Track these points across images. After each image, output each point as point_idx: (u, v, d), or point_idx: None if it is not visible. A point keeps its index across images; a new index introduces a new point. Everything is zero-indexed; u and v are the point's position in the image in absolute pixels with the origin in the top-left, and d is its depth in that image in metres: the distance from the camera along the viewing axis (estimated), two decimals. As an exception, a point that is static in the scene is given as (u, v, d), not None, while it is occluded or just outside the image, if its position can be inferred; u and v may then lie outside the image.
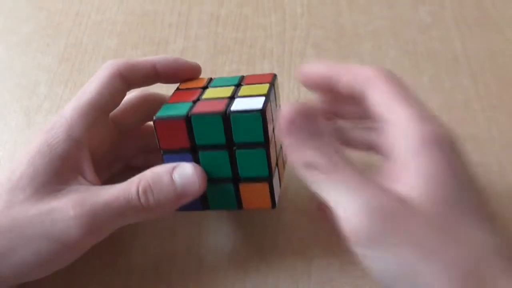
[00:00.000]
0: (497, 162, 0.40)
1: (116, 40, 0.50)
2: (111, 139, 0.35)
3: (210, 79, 0.35)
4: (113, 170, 0.37)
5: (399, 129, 0.28)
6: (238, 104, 0.30)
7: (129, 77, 0.33)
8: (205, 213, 0.35)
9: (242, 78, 0.34)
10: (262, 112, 0.29)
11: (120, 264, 0.34)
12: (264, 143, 0.29)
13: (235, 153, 0.30)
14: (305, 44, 0.49)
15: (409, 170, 0.26)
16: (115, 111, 0.34)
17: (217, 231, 0.36)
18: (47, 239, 0.28)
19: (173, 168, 0.30)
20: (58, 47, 0.49)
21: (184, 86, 0.34)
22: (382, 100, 0.29)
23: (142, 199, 0.29)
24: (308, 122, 0.27)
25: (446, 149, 0.27)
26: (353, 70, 0.31)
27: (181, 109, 0.30)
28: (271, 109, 0.31)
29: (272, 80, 0.32)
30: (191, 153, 0.30)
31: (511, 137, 0.42)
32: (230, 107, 0.29)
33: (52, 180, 0.30)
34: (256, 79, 0.33)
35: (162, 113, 0.30)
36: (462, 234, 0.25)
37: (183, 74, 0.35)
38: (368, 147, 0.35)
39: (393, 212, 0.25)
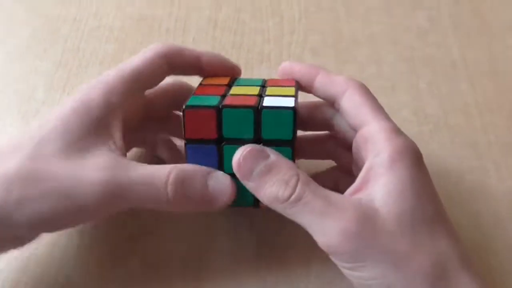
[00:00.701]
0: (495, 166, 0.40)
1: (114, 45, 0.50)
2: (142, 115, 0.35)
3: (232, 78, 0.35)
4: (128, 148, 0.37)
5: (371, 142, 0.30)
6: (269, 101, 0.30)
7: (174, 61, 0.33)
8: (205, 214, 0.35)
9: (265, 81, 0.34)
10: (294, 109, 0.29)
11: (121, 266, 0.34)
12: (291, 141, 0.30)
13: None
14: (302, 49, 0.49)
15: (380, 183, 0.28)
16: (148, 92, 0.34)
17: (217, 233, 0.36)
18: (66, 198, 0.28)
19: (209, 172, 0.30)
20: (55, 53, 0.49)
21: (207, 82, 0.34)
22: (354, 110, 0.31)
23: (170, 191, 0.29)
24: (260, 156, 0.29)
25: (414, 163, 0.29)
26: (329, 76, 0.33)
27: (211, 101, 0.30)
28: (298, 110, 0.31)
29: (295, 84, 0.33)
30: (216, 145, 0.30)
31: (508, 142, 0.42)
32: (262, 103, 0.30)
33: (83, 139, 0.29)
34: (280, 82, 0.33)
35: (192, 102, 0.30)
36: (428, 243, 0.27)
37: (225, 73, 0.35)
38: (327, 156, 0.37)
39: (363, 231, 0.27)
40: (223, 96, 0.31)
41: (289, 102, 0.29)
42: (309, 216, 0.28)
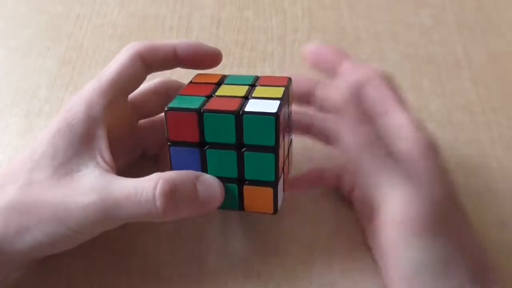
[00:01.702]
0: (498, 164, 0.40)
1: (117, 43, 0.50)
2: (130, 121, 0.35)
3: (224, 76, 0.34)
4: (132, 157, 0.37)
5: (397, 135, 0.30)
6: (252, 106, 0.29)
7: (149, 60, 0.33)
8: (207, 216, 0.35)
9: (257, 78, 0.34)
10: (276, 116, 0.28)
11: (121, 266, 0.34)
12: (274, 147, 0.29)
13: (244, 155, 0.30)
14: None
15: (416, 176, 0.29)
16: (136, 94, 0.34)
17: (218, 236, 0.36)
18: (61, 225, 0.29)
19: (197, 177, 0.30)
20: (58, 51, 0.49)
21: (198, 79, 0.34)
22: (378, 102, 0.31)
23: (159, 206, 0.28)
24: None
25: (438, 155, 0.30)
26: (355, 65, 0.33)
27: (193, 103, 0.30)
28: (284, 113, 0.30)
29: (287, 84, 0.32)
30: (199, 148, 0.30)
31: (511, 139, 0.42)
32: (244, 107, 0.29)
33: (71, 160, 0.30)
34: (271, 81, 0.33)
35: (174, 104, 0.30)
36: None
37: (203, 59, 0.35)
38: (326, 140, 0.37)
39: (441, 207, 0.28)
40: (208, 97, 0.30)
41: (273, 107, 0.29)
42: (394, 181, 0.29)
